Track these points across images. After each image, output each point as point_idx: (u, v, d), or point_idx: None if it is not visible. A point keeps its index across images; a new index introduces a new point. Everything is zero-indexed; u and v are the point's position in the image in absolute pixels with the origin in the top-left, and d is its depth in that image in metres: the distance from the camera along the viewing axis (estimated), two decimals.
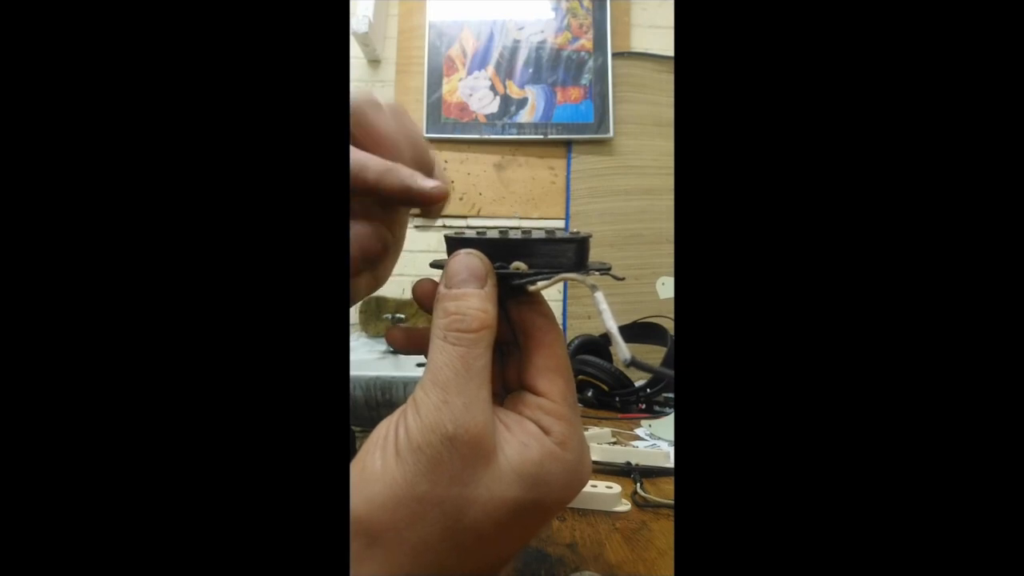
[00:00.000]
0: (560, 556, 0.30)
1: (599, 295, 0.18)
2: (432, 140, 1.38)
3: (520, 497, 0.17)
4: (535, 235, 0.20)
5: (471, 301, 0.19)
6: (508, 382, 0.21)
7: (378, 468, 0.17)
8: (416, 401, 0.18)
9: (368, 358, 0.99)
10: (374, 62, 1.42)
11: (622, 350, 0.17)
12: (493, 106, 1.38)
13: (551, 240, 0.20)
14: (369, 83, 1.43)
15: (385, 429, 0.18)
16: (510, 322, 0.21)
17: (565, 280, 0.19)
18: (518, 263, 0.20)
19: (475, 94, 1.39)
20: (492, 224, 1.51)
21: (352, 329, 1.18)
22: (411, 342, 0.23)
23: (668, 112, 1.37)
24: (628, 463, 0.46)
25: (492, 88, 1.39)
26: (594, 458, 0.49)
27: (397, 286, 1.23)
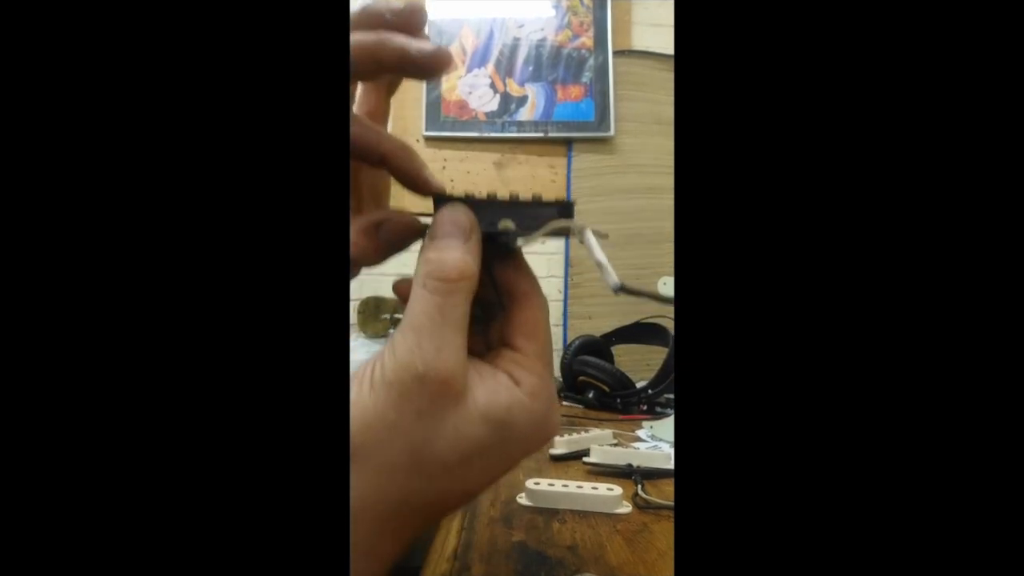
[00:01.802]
0: (561, 558, 0.30)
1: (588, 232, 0.19)
2: (431, 138, 1.38)
3: (485, 437, 0.18)
4: (521, 198, 0.21)
5: (452, 252, 0.19)
6: (492, 343, 0.22)
7: (354, 397, 0.18)
8: (393, 342, 0.19)
9: (368, 358, 0.99)
10: None
11: (611, 276, 0.17)
12: (493, 104, 1.38)
13: (537, 203, 0.21)
14: None
15: (365, 367, 0.19)
16: (495, 285, 0.22)
17: (552, 230, 0.20)
18: (506, 222, 0.20)
19: (475, 92, 1.38)
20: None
21: (352, 329, 1.19)
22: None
23: (668, 110, 1.37)
24: (629, 465, 0.46)
25: (492, 86, 1.39)
26: (595, 460, 0.49)
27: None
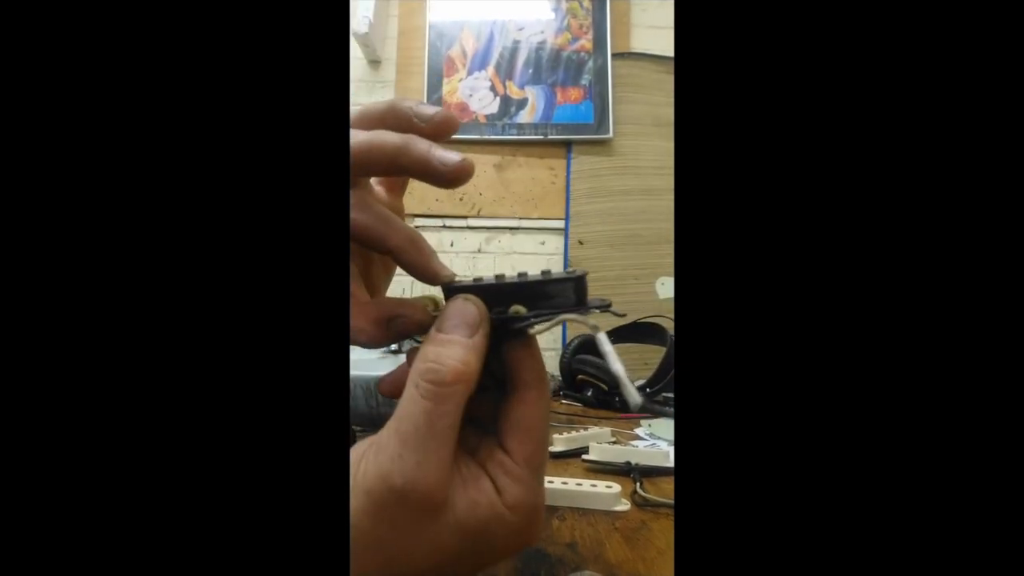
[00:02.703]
0: (560, 555, 0.30)
1: (602, 335, 0.18)
2: None
3: (460, 550, 0.18)
4: (531, 277, 0.20)
5: (453, 350, 0.19)
6: (494, 422, 0.22)
7: None
8: (379, 442, 0.18)
9: (368, 358, 0.99)
10: (374, 62, 1.43)
11: (631, 395, 0.17)
12: (493, 106, 1.39)
13: (548, 281, 0.20)
14: (369, 83, 1.43)
15: (355, 457, 0.18)
16: (503, 363, 0.21)
17: (565, 321, 0.19)
18: (517, 307, 0.20)
19: (475, 94, 1.39)
20: (492, 224, 1.50)
21: None
22: (400, 390, 0.22)
23: (668, 112, 1.38)
24: (628, 463, 0.46)
25: (492, 88, 1.39)
26: (594, 458, 0.49)
27: (398, 286, 1.22)
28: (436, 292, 0.22)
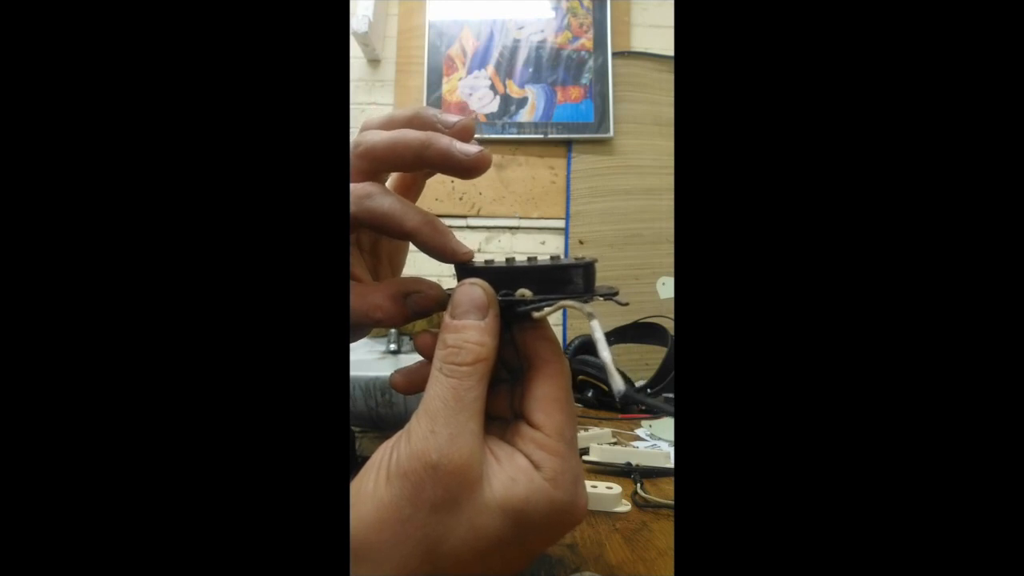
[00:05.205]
0: (560, 556, 0.30)
1: (595, 323, 0.19)
2: None
3: (503, 532, 0.17)
4: (540, 262, 0.21)
5: (469, 334, 0.19)
6: (516, 408, 0.22)
7: (370, 490, 0.18)
8: (409, 428, 0.18)
9: (368, 358, 0.99)
10: (374, 62, 1.42)
11: (616, 382, 0.17)
12: (493, 105, 1.38)
13: (557, 266, 0.21)
14: (369, 82, 1.43)
15: (382, 453, 0.19)
16: (516, 348, 0.21)
17: (566, 307, 0.20)
18: (523, 290, 0.21)
19: (475, 93, 1.38)
20: (491, 224, 1.50)
21: None
22: (413, 385, 0.24)
23: (668, 111, 1.37)
24: (628, 463, 0.46)
25: (492, 87, 1.39)
26: (594, 458, 0.49)
27: None
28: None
